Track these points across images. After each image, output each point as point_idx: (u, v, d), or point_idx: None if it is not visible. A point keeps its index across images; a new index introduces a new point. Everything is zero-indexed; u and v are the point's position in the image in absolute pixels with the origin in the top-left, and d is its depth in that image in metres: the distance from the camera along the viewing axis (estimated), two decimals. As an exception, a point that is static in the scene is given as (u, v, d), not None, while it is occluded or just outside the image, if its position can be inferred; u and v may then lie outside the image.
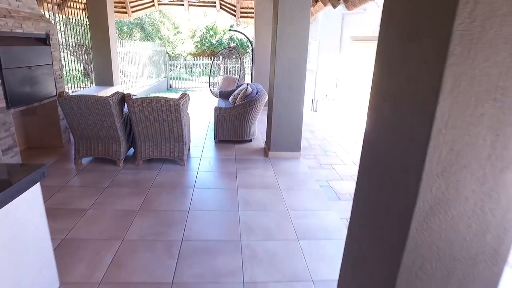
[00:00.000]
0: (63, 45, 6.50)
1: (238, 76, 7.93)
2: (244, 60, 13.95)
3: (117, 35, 15.63)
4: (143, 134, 4.22)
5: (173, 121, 4.07)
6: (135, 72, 11.07)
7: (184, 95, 4.06)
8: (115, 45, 7.70)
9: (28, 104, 4.11)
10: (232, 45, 17.72)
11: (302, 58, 4.31)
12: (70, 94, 4.01)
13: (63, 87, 4.90)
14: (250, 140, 5.46)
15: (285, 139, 4.70)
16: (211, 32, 18.39)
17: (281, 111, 4.55)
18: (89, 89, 7.30)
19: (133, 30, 15.53)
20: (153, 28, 16.30)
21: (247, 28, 16.04)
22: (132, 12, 8.51)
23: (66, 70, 6.61)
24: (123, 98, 4.08)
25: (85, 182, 3.81)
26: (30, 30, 4.11)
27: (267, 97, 5.26)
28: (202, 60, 16.01)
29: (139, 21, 15.39)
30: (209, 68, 11.09)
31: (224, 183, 3.90)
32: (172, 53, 18.93)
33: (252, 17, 8.99)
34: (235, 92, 6.33)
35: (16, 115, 4.59)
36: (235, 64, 14.47)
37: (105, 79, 7.66)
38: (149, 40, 16.03)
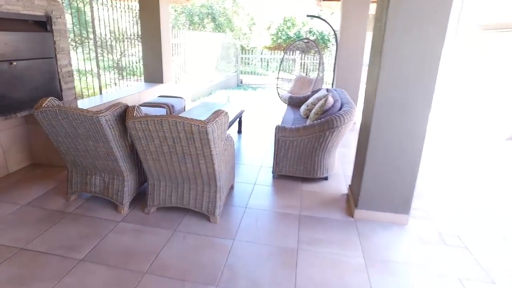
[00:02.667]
0: (100, 37, 5.38)
1: (315, 77, 6.06)
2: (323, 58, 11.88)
3: (187, 25, 14.87)
4: (155, 170, 2.68)
5: (198, 156, 2.45)
6: (200, 66, 9.87)
7: (219, 115, 2.39)
8: (168, 35, 6.42)
9: (6, 114, 2.88)
10: (312, 38, 15.69)
11: (431, 60, 2.32)
12: (55, 104, 2.64)
13: (73, 88, 3.65)
14: (326, 178, 3.61)
15: (386, 192, 2.76)
16: (288, 24, 16.59)
17: (385, 146, 2.62)
18: (127, 88, 6.13)
19: (204, 20, 14.52)
20: (225, 18, 15.11)
21: (332, 17, 13.88)
22: (191, -5, 7.18)
23: (104, 65, 5.50)
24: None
25: (58, 241, 2.41)
26: (15, 8, 2.85)
27: (355, 115, 3.35)
28: (280, 54, 14.37)
29: (210, 11, 14.31)
30: (283, 65, 9.35)
31: (274, 276, 2.16)
32: (247, 46, 17.68)
33: (338, 0, 6.97)
34: (310, 101, 4.50)
35: (18, 122, 3.45)
36: (313, 60, 12.49)
37: (154, 75, 6.45)
38: (220, 32, 14.90)
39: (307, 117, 4.43)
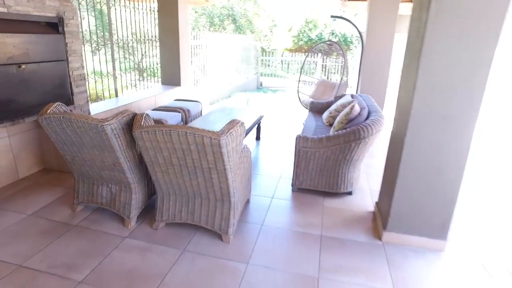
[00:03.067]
0: (122, 39, 5.26)
1: (338, 82, 5.74)
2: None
3: (208, 27, 14.78)
4: (164, 183, 2.48)
5: (210, 170, 2.22)
6: (219, 68, 9.72)
7: (234, 126, 2.15)
8: (186, 37, 6.27)
9: (13, 120, 2.75)
10: (334, 40, 15.28)
11: (481, 64, 1.99)
12: (61, 111, 2.48)
13: (85, 91, 3.51)
14: (350, 193, 3.31)
15: (420, 214, 2.45)
16: (310, 26, 16.25)
17: (421, 162, 2.30)
18: (144, 91, 6.00)
19: (224, 22, 14.39)
20: (245, 20, 14.92)
21: (355, 18, 13.43)
22: (211, -5, 7.00)
23: (123, 67, 5.38)
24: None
25: (59, 258, 2.24)
26: (26, 9, 2.72)
27: (383, 125, 3.04)
28: (301, 57, 14.08)
29: (230, 12, 14.16)
30: (305, 67, 8.98)
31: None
32: (268, 47, 17.48)
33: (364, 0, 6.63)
34: (333, 108, 4.20)
35: (30, 126, 3.34)
36: (335, 63, 12.11)
37: (172, 77, 6.31)
38: (241, 33, 14.73)
39: (330, 125, 4.13)
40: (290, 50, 16.80)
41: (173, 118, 4.13)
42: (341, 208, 3.06)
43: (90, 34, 4.56)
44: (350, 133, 2.91)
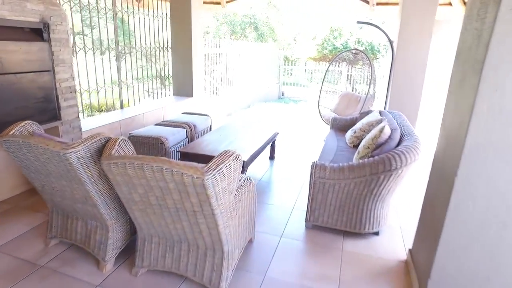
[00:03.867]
0: (136, 47, 4.92)
1: (364, 95, 5.15)
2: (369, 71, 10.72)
3: (229, 35, 14.51)
4: (144, 223, 2.01)
5: (196, 213, 1.73)
6: (240, 77, 9.31)
7: (225, 160, 1.64)
8: (200, 44, 5.89)
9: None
10: (360, 48, 14.59)
11: None
12: (28, 133, 2.08)
13: (76, 105, 3.14)
14: (377, 233, 2.72)
15: (474, 280, 1.84)
16: (335, 34, 15.65)
17: (479, 210, 1.71)
18: (152, 102, 5.63)
19: (246, 30, 14.04)
20: (268, 28, 14.51)
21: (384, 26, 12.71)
22: (227, 1, 6.60)
23: (140, 76, 5.03)
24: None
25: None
26: (0, 13, 2.37)
27: (420, 153, 2.45)
28: (325, 66, 13.52)
29: (252, 20, 13.79)
30: (328, 76, 8.34)
31: None
32: (291, 56, 17.01)
33: (395, 4, 6.04)
34: (358, 126, 3.63)
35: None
36: (361, 73, 11.42)
37: (183, 87, 5.94)
38: (262, 41, 14.34)
39: (355, 146, 3.56)
40: (314, 59, 16.24)
41: (175, 135, 3.69)
42: (365, 254, 2.48)
43: (100, 41, 4.25)
44: (378, 162, 2.35)
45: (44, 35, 2.71)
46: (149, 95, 5.49)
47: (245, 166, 3.02)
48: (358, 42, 15.01)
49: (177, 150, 3.61)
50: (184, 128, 3.97)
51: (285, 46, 15.99)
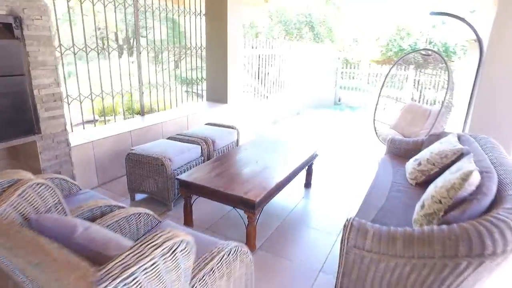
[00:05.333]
0: (174, 47, 4.40)
1: (435, 108, 3.99)
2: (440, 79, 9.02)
3: (283, 35, 13.69)
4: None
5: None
6: (293, 80, 8.49)
7: (143, 257, 0.85)
8: (238, 45, 5.20)
9: None
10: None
11: None
12: None
13: (62, 116, 2.60)
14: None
15: None
16: (402, 34, 13.99)
17: None
18: (179, 109, 5.05)
19: (302, 30, 13.07)
20: (325, 27, 13.38)
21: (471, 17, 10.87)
22: (271, -5, 5.80)
23: (164, 79, 4.53)
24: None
25: None
26: None
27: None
28: (388, 70, 12.09)
29: (308, 19, 12.79)
30: (390, 81, 7.09)
31: None
32: (352, 58, 15.69)
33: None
34: (424, 154, 2.60)
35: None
36: (430, 78, 9.81)
37: (217, 93, 5.30)
38: (319, 42, 13.28)
39: (418, 184, 2.54)
40: (377, 62, 14.74)
41: (184, 154, 3.01)
42: None
43: (116, 39, 3.77)
44: (459, 238, 1.38)
45: (15, 31, 2.21)
46: (176, 101, 4.93)
47: (256, 208, 2.21)
48: (430, 42, 13.20)
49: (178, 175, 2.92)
50: (200, 144, 3.28)
51: (344, 47, 14.74)
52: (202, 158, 3.28)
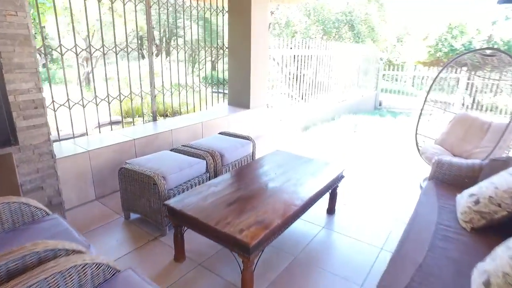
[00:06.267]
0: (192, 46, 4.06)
1: (502, 121, 3.23)
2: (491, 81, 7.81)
3: (321, 35, 12.98)
4: None
5: None
6: (330, 82, 7.88)
7: None
8: (263, 45, 4.73)
9: None
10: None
11: None
12: None
13: (45, 124, 2.29)
14: None
15: None
16: (454, 32, 12.73)
17: None
18: (197, 114, 4.66)
19: (341, 29, 12.26)
20: (366, 27, 12.45)
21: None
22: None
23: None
24: None
25: None
26: None
27: None
28: (436, 72, 11.00)
29: (348, 18, 11.95)
30: (431, 87, 6.16)
31: None
32: (396, 60, 14.66)
33: None
34: (485, 188, 1.96)
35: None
36: (487, 81, 8.65)
37: (239, 97, 4.87)
38: (359, 42, 12.41)
39: (474, 229, 1.90)
40: (424, 63, 13.55)
41: (183, 171, 2.59)
42: None
43: (126, 39, 3.47)
44: None
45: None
46: (193, 105, 4.56)
47: (251, 252, 1.72)
48: (489, 41, 11.85)
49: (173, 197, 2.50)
50: (205, 158, 2.85)
51: (387, 48, 13.72)
52: (207, 175, 2.85)
